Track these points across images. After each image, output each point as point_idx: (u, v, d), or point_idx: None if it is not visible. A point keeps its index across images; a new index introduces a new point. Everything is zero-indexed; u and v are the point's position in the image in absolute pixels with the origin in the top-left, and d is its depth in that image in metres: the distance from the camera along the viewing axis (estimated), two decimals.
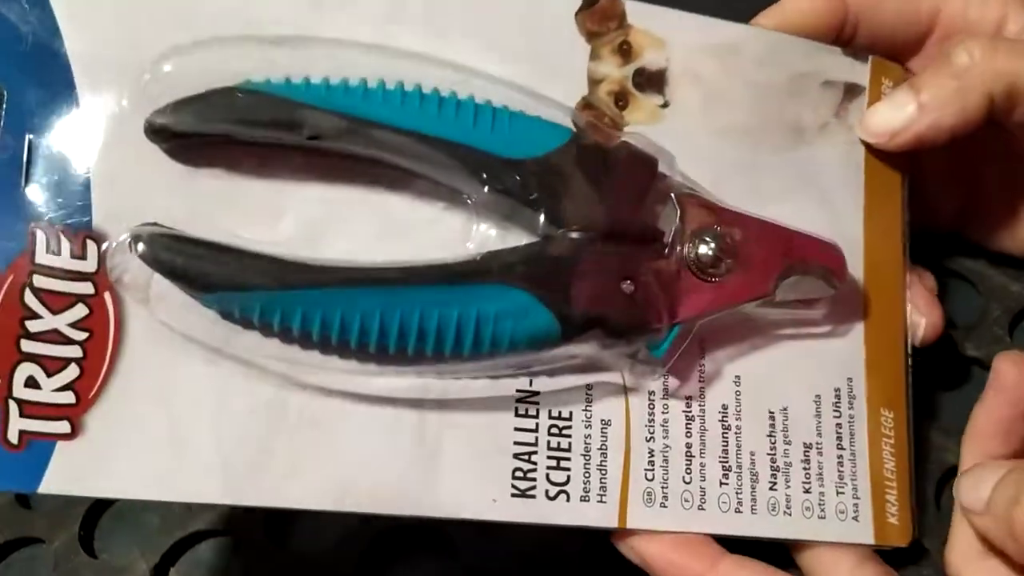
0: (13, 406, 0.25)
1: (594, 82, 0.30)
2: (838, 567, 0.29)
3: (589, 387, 0.29)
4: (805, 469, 0.30)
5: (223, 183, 0.27)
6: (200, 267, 0.25)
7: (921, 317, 0.32)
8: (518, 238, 0.28)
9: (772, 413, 0.30)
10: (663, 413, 0.29)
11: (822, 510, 0.30)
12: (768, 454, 0.30)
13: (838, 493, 0.30)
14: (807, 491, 0.30)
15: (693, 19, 0.32)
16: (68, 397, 0.25)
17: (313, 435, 0.27)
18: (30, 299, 0.25)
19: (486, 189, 0.27)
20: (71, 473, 0.25)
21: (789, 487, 0.30)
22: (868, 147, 0.33)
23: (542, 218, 0.27)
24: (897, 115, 0.31)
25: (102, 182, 0.26)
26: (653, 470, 0.29)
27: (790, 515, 0.30)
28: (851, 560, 0.30)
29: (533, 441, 0.28)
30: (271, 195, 0.27)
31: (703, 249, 0.29)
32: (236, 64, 0.26)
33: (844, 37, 0.33)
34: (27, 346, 0.25)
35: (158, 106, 0.26)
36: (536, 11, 0.30)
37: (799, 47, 0.32)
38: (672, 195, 0.29)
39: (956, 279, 0.38)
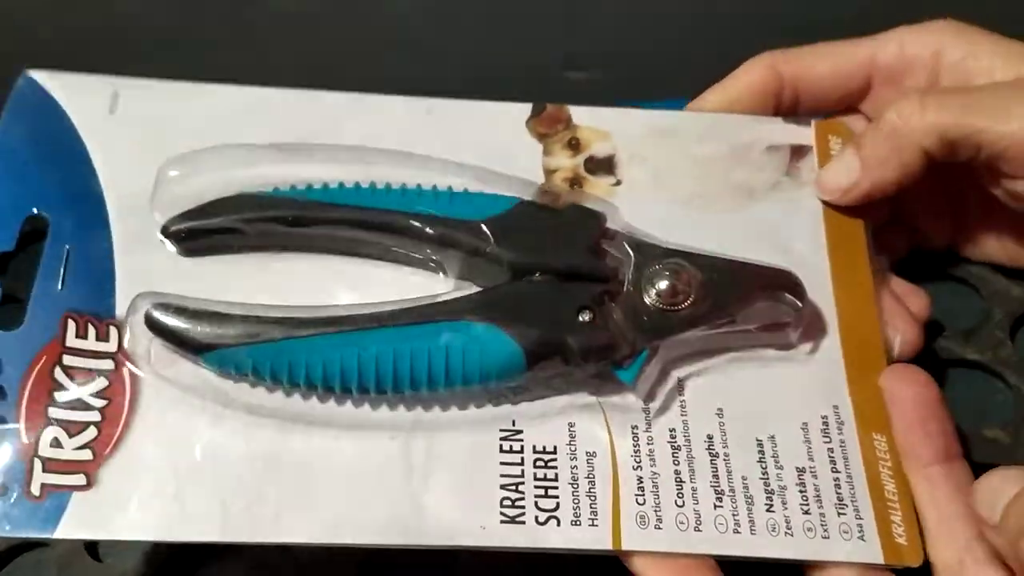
0: (37, 463, 0.28)
1: (549, 172, 0.35)
2: None
3: (572, 424, 0.30)
4: (801, 491, 0.30)
5: (226, 272, 0.31)
6: (186, 329, 0.29)
7: (896, 333, 0.33)
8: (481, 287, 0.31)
9: (760, 441, 0.31)
10: (648, 444, 0.30)
11: (825, 530, 0.29)
12: (761, 478, 0.30)
13: (839, 514, 0.30)
14: (806, 512, 0.30)
15: (632, 113, 0.36)
16: (86, 454, 0.28)
17: (306, 475, 0.28)
18: (59, 375, 0.29)
19: (450, 248, 0.31)
20: (84, 519, 0.27)
21: (787, 508, 0.30)
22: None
23: (500, 266, 0.31)
24: (845, 175, 0.34)
25: (124, 278, 0.31)
26: (643, 495, 0.29)
27: (792, 536, 0.29)
28: None
29: (519, 473, 0.29)
30: (272, 278, 0.31)
31: (660, 283, 0.31)
32: (231, 174, 0.32)
33: (786, 105, 0.37)
34: (54, 412, 0.28)
35: (171, 213, 0.31)
36: (493, 123, 0.35)
37: (735, 122, 0.36)
38: (624, 243, 0.32)
39: (957, 283, 0.38)
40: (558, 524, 0.29)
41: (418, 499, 0.28)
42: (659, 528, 0.29)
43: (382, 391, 0.29)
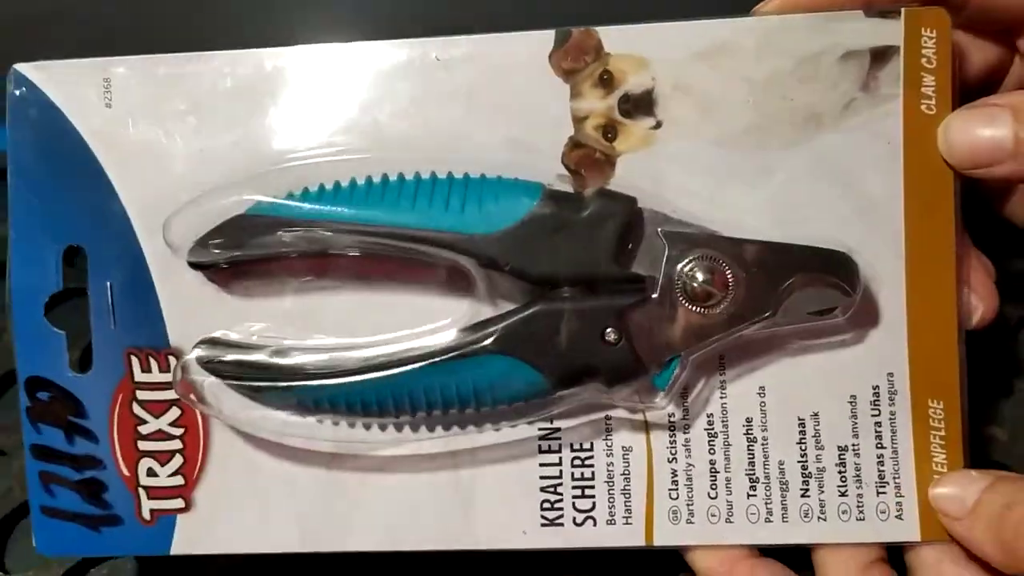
0: (142, 492, 0.32)
1: (578, 120, 0.31)
2: (848, 567, 0.30)
3: (608, 419, 0.31)
4: (840, 472, 0.30)
5: (256, 296, 0.32)
6: (240, 372, 0.31)
7: (980, 302, 0.30)
8: (506, 305, 0.30)
9: (802, 420, 0.30)
10: (684, 434, 0.31)
11: (860, 512, 0.30)
12: (799, 462, 0.30)
13: (879, 493, 0.30)
14: (843, 494, 0.30)
15: (674, 28, 0.30)
16: (178, 480, 0.32)
17: (366, 491, 0.32)
18: (137, 409, 0.32)
19: (470, 269, 0.30)
20: (191, 537, 0.32)
21: (823, 492, 0.30)
22: (907, 110, 0.30)
23: (522, 283, 0.29)
24: (986, 143, 0.28)
25: (167, 304, 0.32)
26: (677, 489, 0.31)
27: (825, 520, 0.30)
28: (861, 561, 0.30)
29: (558, 475, 0.31)
30: (295, 301, 0.32)
31: (694, 282, 0.29)
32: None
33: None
34: (143, 445, 0.32)
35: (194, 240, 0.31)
36: (509, 62, 0.31)
37: (803, 25, 0.30)
38: (658, 231, 0.29)
39: None
40: (594, 524, 0.31)
41: (466, 507, 0.31)
42: (691, 522, 0.31)
43: (420, 423, 0.31)
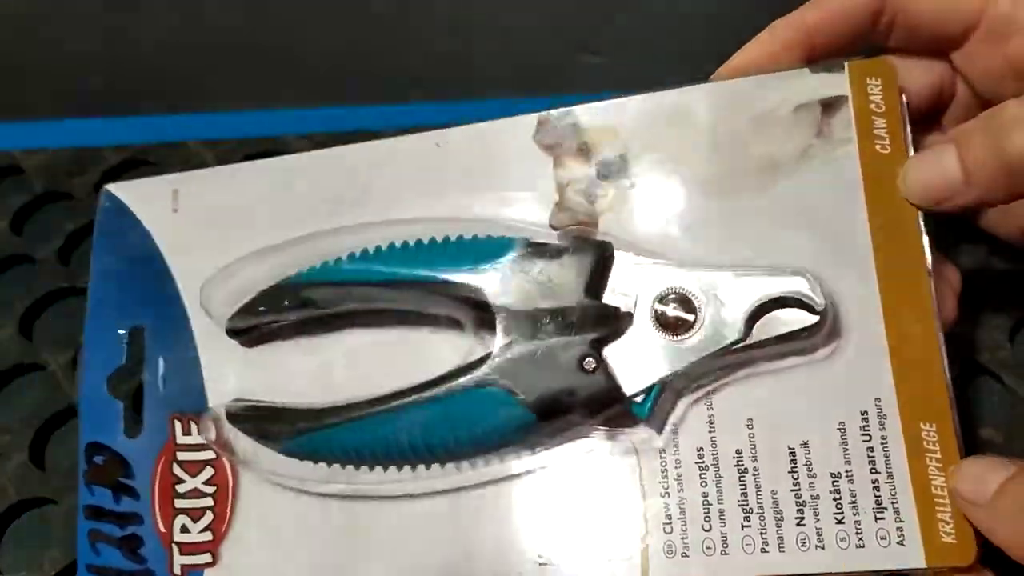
0: (175, 548, 0.35)
1: (563, 187, 0.34)
2: None
3: (600, 458, 0.32)
4: (836, 499, 0.30)
5: (286, 359, 0.35)
6: (267, 427, 0.34)
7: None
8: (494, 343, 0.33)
9: (792, 449, 0.31)
10: (676, 468, 0.31)
11: (860, 539, 0.29)
12: (792, 490, 0.30)
13: (877, 519, 0.29)
14: (840, 522, 0.30)
15: (634, 99, 0.34)
16: (207, 536, 0.34)
17: (375, 535, 0.33)
18: (177, 470, 0.35)
19: (460, 308, 0.33)
20: None
21: (819, 520, 0.30)
22: (862, 151, 0.32)
23: (508, 320, 0.32)
24: (940, 181, 0.30)
25: (210, 375, 0.36)
26: (671, 523, 0.31)
27: (823, 548, 0.30)
28: None
29: (552, 516, 0.32)
30: (318, 358, 0.35)
31: (667, 312, 0.31)
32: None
33: (880, 31, 0.33)
34: (179, 503, 0.35)
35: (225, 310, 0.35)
36: (501, 144, 0.35)
37: (753, 85, 0.33)
38: (632, 268, 0.32)
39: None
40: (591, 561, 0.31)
41: (467, 548, 0.32)
42: (685, 555, 0.30)
43: (421, 461, 0.33)
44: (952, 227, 0.31)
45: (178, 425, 0.36)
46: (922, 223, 0.31)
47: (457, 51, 0.40)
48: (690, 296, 0.31)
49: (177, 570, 0.34)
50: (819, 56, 0.33)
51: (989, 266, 0.33)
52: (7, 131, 0.50)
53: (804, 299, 0.30)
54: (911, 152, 0.31)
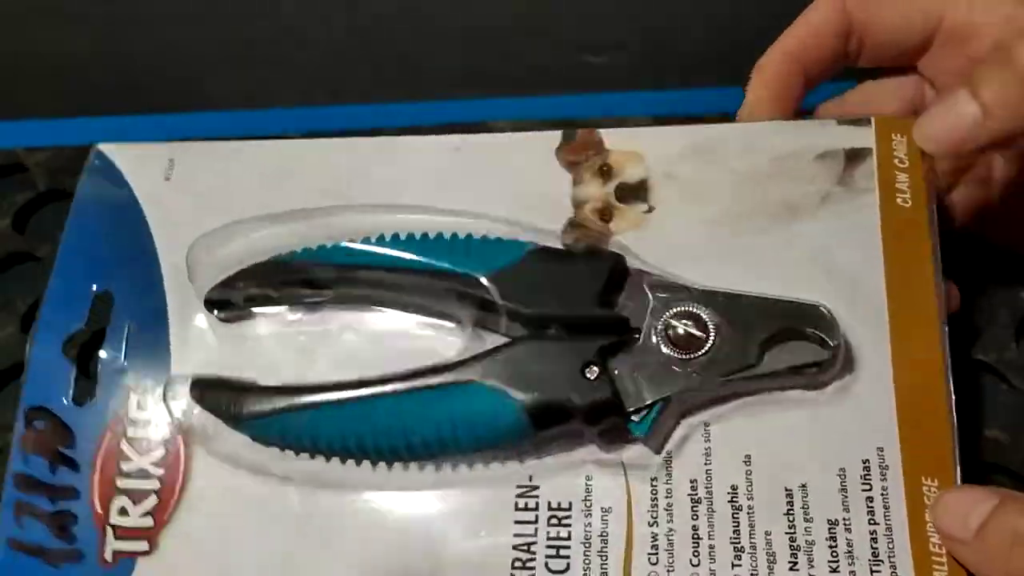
0: (110, 531, 0.31)
1: (578, 204, 0.34)
2: None
3: (589, 478, 0.30)
4: (831, 547, 0.28)
5: (265, 338, 0.33)
6: (227, 403, 0.31)
7: None
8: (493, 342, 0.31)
9: (789, 491, 0.29)
10: (667, 497, 0.30)
11: None
12: (787, 533, 0.29)
13: (872, 571, 0.28)
14: (834, 570, 0.28)
15: (670, 130, 0.34)
16: (148, 521, 0.31)
17: (334, 531, 0.30)
18: (124, 446, 0.32)
19: (463, 303, 0.31)
20: None
21: (813, 566, 0.28)
22: (884, 201, 0.32)
23: (511, 320, 0.31)
24: (958, 121, 0.30)
25: (178, 348, 0.33)
26: (657, 554, 0.29)
27: None
28: None
29: (532, 532, 0.30)
30: (303, 340, 0.33)
31: (677, 329, 0.30)
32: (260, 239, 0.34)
33: (851, 52, 0.34)
34: (121, 483, 0.32)
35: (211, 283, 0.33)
36: (521, 156, 0.35)
37: (784, 129, 0.33)
38: (644, 284, 0.31)
39: (965, 284, 0.35)
40: None
41: (436, 555, 0.30)
42: None
43: (397, 457, 0.30)
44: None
45: (134, 398, 0.33)
46: (939, 275, 0.31)
47: (458, 51, 0.40)
48: (704, 315, 0.30)
49: (108, 556, 0.31)
50: (815, 80, 0.34)
51: (996, 263, 0.33)
52: (10, 129, 0.49)
53: (820, 333, 0.29)
54: (933, 208, 0.31)
